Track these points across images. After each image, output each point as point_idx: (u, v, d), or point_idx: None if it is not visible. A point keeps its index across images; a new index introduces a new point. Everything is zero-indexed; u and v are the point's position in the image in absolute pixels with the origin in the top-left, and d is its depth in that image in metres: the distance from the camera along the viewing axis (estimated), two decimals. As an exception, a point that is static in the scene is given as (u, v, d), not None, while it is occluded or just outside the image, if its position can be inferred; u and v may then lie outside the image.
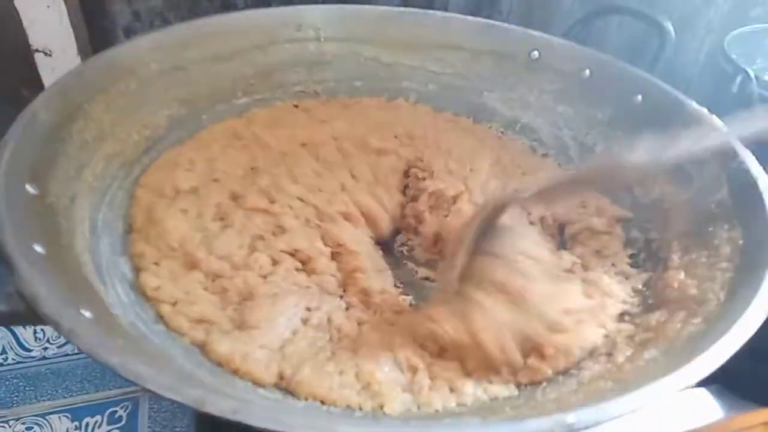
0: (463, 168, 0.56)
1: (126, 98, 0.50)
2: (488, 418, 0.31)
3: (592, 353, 0.38)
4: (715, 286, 0.36)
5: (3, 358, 0.59)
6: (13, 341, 0.60)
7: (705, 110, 0.49)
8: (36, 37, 0.61)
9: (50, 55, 0.64)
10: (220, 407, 0.24)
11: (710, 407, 0.47)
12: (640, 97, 0.55)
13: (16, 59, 0.63)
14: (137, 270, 0.41)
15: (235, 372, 0.34)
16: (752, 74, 0.55)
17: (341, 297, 0.42)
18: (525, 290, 0.37)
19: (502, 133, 0.63)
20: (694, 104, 0.50)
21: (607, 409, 0.25)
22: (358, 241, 0.47)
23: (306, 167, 0.53)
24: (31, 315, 0.28)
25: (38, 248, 0.32)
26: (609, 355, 0.36)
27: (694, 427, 0.45)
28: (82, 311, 0.29)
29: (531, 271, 0.40)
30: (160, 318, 0.38)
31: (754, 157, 0.43)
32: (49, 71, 0.64)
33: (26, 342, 0.61)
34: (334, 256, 0.45)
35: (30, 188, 0.36)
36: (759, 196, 0.40)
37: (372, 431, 0.23)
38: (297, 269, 0.43)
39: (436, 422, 0.27)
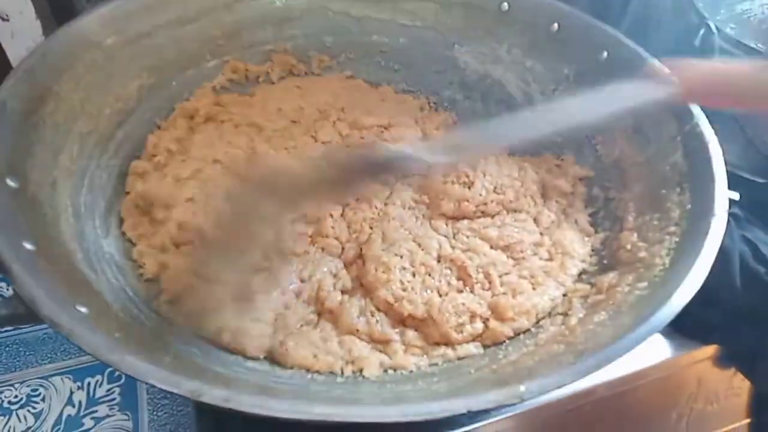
0: None
1: (93, 73, 0.49)
2: (454, 380, 0.35)
3: (550, 312, 0.42)
4: (662, 250, 0.39)
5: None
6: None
7: (666, 69, 0.51)
8: (-9, 3, 0.59)
9: (8, 20, 0.62)
10: (213, 397, 0.27)
11: (660, 346, 0.51)
12: (605, 54, 0.55)
13: (-29, 26, 0.61)
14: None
15: (226, 347, 0.38)
16: (713, 27, 0.56)
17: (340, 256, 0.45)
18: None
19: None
20: (657, 63, 0.51)
21: (555, 380, 0.29)
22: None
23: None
24: (31, 316, 0.30)
25: (28, 246, 0.33)
26: (565, 315, 0.40)
27: (645, 365, 0.50)
28: (79, 307, 0.31)
29: None
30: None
31: (707, 121, 0.45)
32: (9, 36, 0.63)
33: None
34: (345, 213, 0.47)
35: (10, 182, 0.37)
36: (708, 161, 0.42)
37: (346, 412, 0.26)
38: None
39: (404, 399, 0.30)
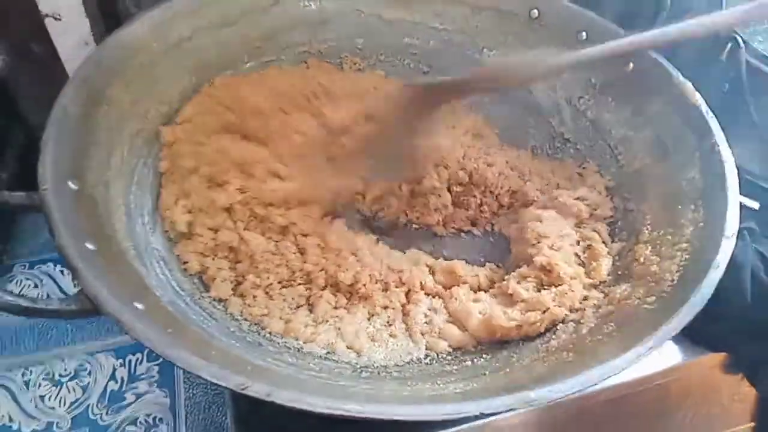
0: None
1: (141, 76, 0.53)
2: (468, 381, 0.38)
3: (564, 319, 0.44)
4: (673, 266, 0.42)
5: (41, 298, 0.66)
6: (56, 289, 0.68)
7: (689, 84, 0.52)
8: (46, 3, 0.63)
9: (60, 19, 0.65)
10: (256, 391, 0.30)
11: (671, 352, 0.53)
12: (631, 65, 0.57)
13: (26, 24, 0.65)
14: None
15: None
16: (741, 41, 0.56)
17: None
18: None
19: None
20: (681, 77, 0.53)
21: (562, 389, 0.31)
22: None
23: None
24: (96, 311, 0.34)
25: (90, 246, 0.37)
26: (577, 323, 0.43)
27: (655, 370, 0.52)
28: (136, 304, 0.35)
29: None
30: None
31: (725, 139, 0.47)
32: (60, 34, 0.66)
33: (67, 289, 0.68)
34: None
35: (72, 184, 0.41)
36: (723, 181, 0.44)
37: (371, 409, 0.29)
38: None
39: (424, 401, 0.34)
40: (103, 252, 0.38)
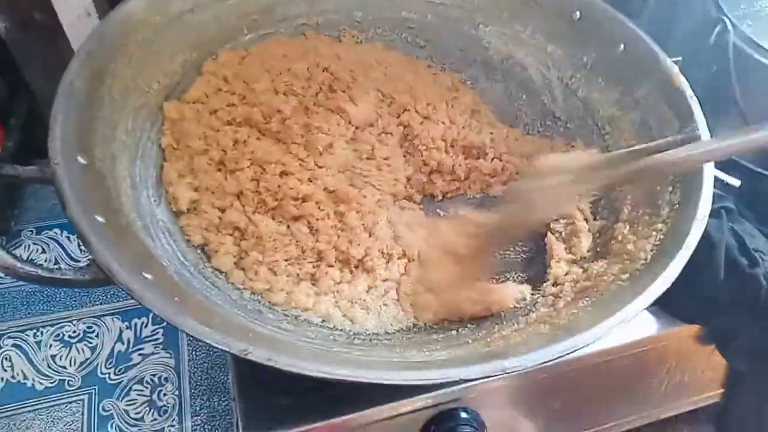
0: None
1: (143, 49, 0.54)
2: (452, 350, 0.41)
3: (544, 292, 0.47)
4: (647, 245, 0.44)
5: (57, 268, 0.69)
6: (63, 253, 0.70)
7: (675, 68, 0.54)
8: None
9: (61, -12, 0.66)
10: (258, 356, 0.33)
11: (647, 323, 0.57)
12: (622, 46, 0.58)
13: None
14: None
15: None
16: (729, 24, 0.58)
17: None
18: None
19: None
20: (668, 61, 0.54)
21: (533, 358, 0.35)
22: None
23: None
24: (108, 281, 0.36)
25: (99, 218, 0.40)
26: (556, 297, 0.46)
27: (632, 339, 0.56)
28: (145, 274, 0.38)
29: None
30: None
31: (706, 125, 0.49)
32: (63, 4, 0.67)
33: (73, 253, 0.71)
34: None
35: (81, 158, 0.43)
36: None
37: (361, 374, 0.32)
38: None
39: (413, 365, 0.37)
40: (111, 224, 0.40)
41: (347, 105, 0.58)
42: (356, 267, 0.50)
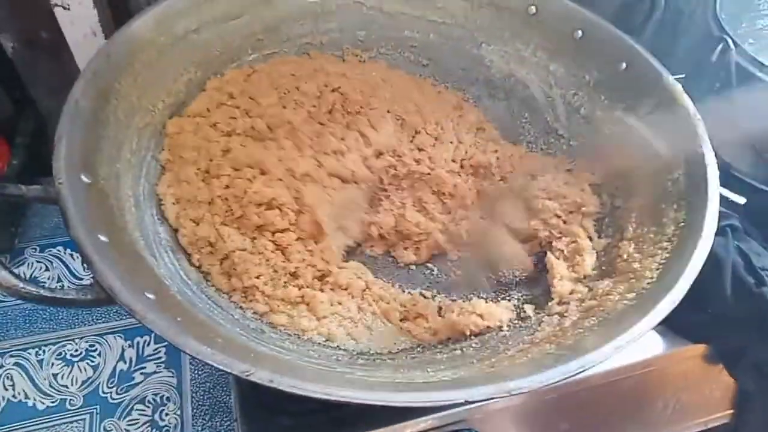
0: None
1: (148, 69, 0.54)
2: (457, 370, 0.41)
3: (549, 311, 0.47)
4: (654, 264, 0.44)
5: (60, 286, 0.69)
6: (66, 272, 0.70)
7: (678, 86, 0.54)
8: (54, -8, 0.65)
9: (68, 9, 0.67)
10: (260, 377, 0.33)
11: (653, 342, 0.56)
12: (624, 65, 0.58)
13: (36, 12, 0.67)
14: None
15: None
16: (731, 42, 0.58)
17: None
18: None
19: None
20: (671, 79, 0.54)
21: (539, 380, 0.34)
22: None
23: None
24: (110, 300, 0.36)
25: (103, 238, 0.40)
26: (561, 316, 0.45)
27: (638, 359, 0.55)
28: (147, 294, 0.37)
29: None
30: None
31: (709, 143, 0.49)
32: (69, 23, 0.68)
33: (76, 271, 0.71)
34: None
35: (84, 178, 0.43)
36: (705, 183, 0.46)
37: (365, 396, 0.32)
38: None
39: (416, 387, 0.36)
40: (115, 243, 0.40)
41: (368, 130, 0.58)
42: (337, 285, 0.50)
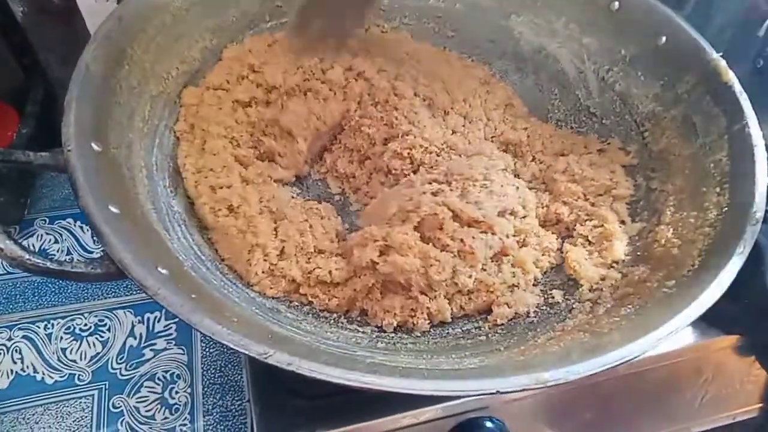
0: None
1: (162, 35, 0.52)
2: (484, 357, 0.39)
3: (580, 297, 0.45)
4: (695, 250, 0.41)
5: (69, 259, 0.67)
6: (76, 244, 0.69)
7: (723, 62, 0.50)
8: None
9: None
10: (278, 360, 0.31)
11: (684, 332, 0.53)
12: (664, 39, 0.55)
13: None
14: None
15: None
16: (782, 17, 0.54)
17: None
18: None
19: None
20: (714, 54, 0.51)
21: (578, 370, 0.32)
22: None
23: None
24: (121, 274, 0.34)
25: (114, 209, 0.38)
26: (594, 303, 0.43)
27: (668, 349, 0.53)
28: (160, 269, 0.35)
29: None
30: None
31: (757, 123, 0.45)
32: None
33: (86, 244, 0.69)
34: None
35: (95, 146, 0.41)
36: (752, 165, 0.43)
37: (390, 383, 0.30)
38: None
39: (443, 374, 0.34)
40: (126, 215, 0.38)
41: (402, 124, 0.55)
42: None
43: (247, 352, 0.31)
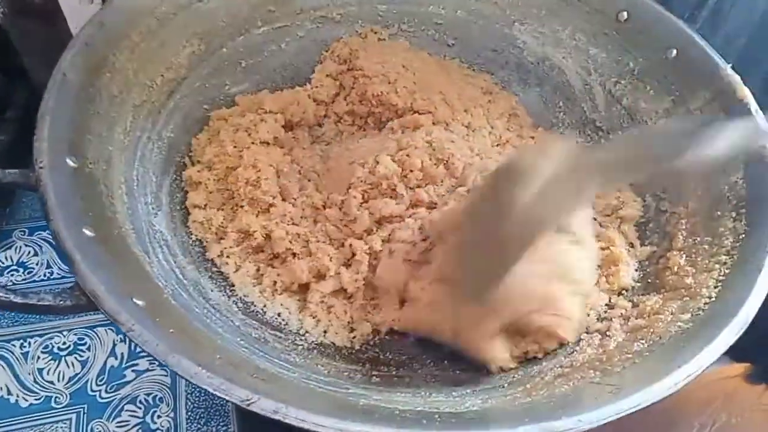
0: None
1: (147, 41, 0.49)
2: (486, 395, 0.36)
3: (588, 328, 0.42)
4: (710, 280, 0.39)
5: (49, 272, 0.64)
6: (57, 257, 0.65)
7: (738, 78, 0.48)
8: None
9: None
10: (262, 407, 0.28)
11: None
12: (675, 52, 0.52)
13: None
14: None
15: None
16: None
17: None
18: None
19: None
20: (728, 69, 0.49)
21: (593, 417, 0.29)
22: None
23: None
24: (92, 306, 0.31)
25: (88, 232, 0.35)
26: (604, 335, 0.40)
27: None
28: (136, 300, 0.32)
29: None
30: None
31: (776, 145, 0.43)
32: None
33: (68, 256, 0.66)
34: None
35: (70, 161, 0.38)
36: (770, 189, 0.41)
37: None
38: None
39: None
40: (102, 238, 0.35)
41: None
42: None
43: (227, 398, 0.28)
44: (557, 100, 0.60)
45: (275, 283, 0.45)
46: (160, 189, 0.47)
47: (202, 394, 0.57)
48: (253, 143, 0.51)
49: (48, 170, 0.36)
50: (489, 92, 0.60)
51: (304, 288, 0.45)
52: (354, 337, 0.43)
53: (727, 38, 0.63)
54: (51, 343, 0.59)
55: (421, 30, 0.64)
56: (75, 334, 0.60)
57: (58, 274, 0.64)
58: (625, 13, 0.56)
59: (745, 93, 0.47)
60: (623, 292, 0.44)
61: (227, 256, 0.46)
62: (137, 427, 0.55)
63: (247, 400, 0.28)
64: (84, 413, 0.55)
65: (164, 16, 0.50)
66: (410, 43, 0.63)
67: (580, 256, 0.43)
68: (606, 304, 0.44)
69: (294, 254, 0.46)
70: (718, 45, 0.51)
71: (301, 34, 0.61)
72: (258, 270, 0.46)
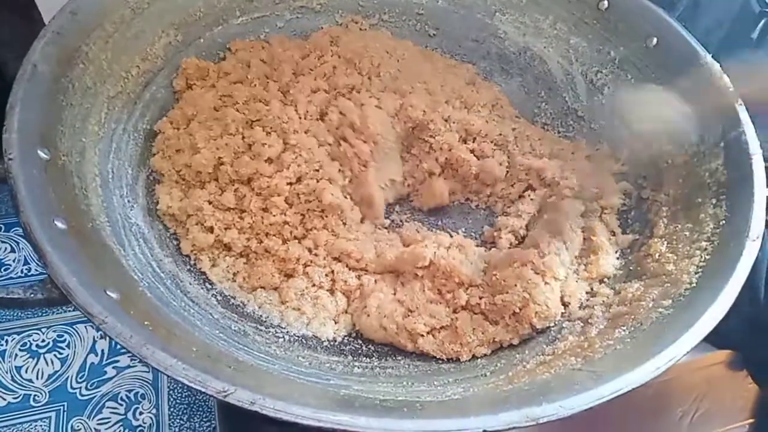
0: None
1: (121, 31, 0.48)
2: (469, 384, 0.36)
3: (570, 316, 0.42)
4: (691, 266, 0.39)
5: (27, 269, 0.63)
6: (34, 253, 0.64)
7: (717, 66, 0.48)
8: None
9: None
10: (239, 398, 0.28)
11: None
12: (655, 40, 0.52)
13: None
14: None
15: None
16: (776, 18, 0.52)
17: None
18: None
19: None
20: (708, 57, 0.49)
21: (572, 404, 0.29)
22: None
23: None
24: (65, 300, 0.31)
25: (60, 224, 0.34)
26: (585, 323, 0.40)
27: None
28: (109, 292, 0.32)
29: None
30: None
31: (754, 132, 0.43)
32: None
33: (46, 252, 0.65)
34: None
35: (42, 153, 0.37)
36: (749, 176, 0.41)
37: (364, 423, 0.27)
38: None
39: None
40: (75, 231, 0.35)
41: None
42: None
43: (204, 390, 0.28)
44: (539, 90, 0.60)
45: (248, 277, 0.44)
46: (135, 182, 0.46)
47: (185, 390, 0.56)
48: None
49: (18, 162, 0.35)
50: (472, 83, 0.59)
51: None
52: (336, 330, 0.43)
53: (707, 27, 0.63)
54: (29, 341, 0.58)
55: (402, 20, 0.63)
56: (54, 331, 0.59)
57: (36, 270, 0.62)
58: (605, 2, 0.56)
59: (724, 81, 0.47)
60: (605, 279, 0.44)
61: (200, 251, 0.45)
62: (119, 424, 0.54)
63: (224, 391, 0.28)
64: (64, 411, 0.54)
65: (138, 6, 0.49)
66: (391, 33, 0.63)
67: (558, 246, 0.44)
68: (587, 292, 0.44)
69: (256, 253, 0.45)
70: (698, 34, 0.51)
71: (281, 24, 0.60)
72: (231, 267, 0.45)
